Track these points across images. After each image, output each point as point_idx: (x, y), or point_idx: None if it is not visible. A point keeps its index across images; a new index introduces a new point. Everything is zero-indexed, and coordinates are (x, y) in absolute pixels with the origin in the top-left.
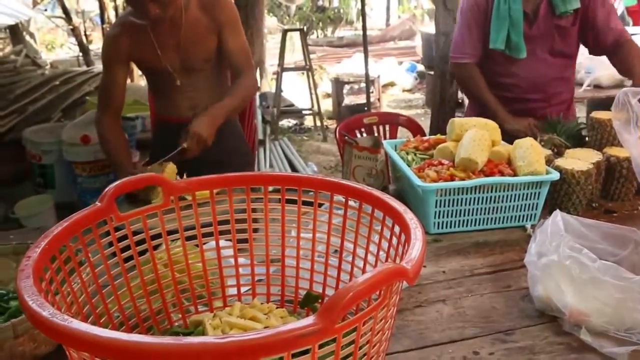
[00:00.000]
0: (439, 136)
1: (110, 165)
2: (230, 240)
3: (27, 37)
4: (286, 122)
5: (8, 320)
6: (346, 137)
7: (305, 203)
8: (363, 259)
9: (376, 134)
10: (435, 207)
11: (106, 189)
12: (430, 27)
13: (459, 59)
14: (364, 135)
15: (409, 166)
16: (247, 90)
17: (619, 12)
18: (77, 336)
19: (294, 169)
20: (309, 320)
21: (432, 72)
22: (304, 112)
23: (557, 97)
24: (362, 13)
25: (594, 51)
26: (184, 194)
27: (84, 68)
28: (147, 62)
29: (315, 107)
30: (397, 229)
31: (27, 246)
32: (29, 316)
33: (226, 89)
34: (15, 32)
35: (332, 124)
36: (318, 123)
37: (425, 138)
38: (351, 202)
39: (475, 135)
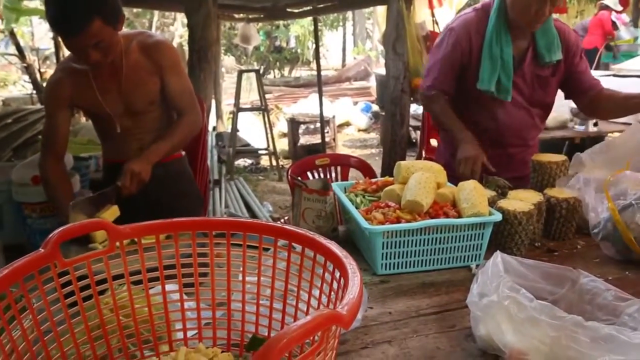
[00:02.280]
0: (387, 178)
1: (56, 209)
2: (177, 284)
3: None
4: (242, 162)
5: None
6: (296, 180)
7: (252, 247)
8: (307, 303)
9: (328, 176)
10: (382, 248)
11: (50, 235)
12: (383, 69)
13: (428, 90)
14: (316, 176)
15: (357, 208)
16: (187, 128)
17: None
18: None
19: (249, 208)
20: None
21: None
22: (259, 151)
23: (533, 141)
24: (317, 54)
25: (571, 96)
26: (129, 239)
27: (38, 106)
28: (89, 108)
29: (271, 147)
30: (337, 273)
31: None
32: None
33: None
34: None
35: (287, 164)
36: (274, 163)
37: (373, 180)
38: (296, 247)
39: (420, 178)
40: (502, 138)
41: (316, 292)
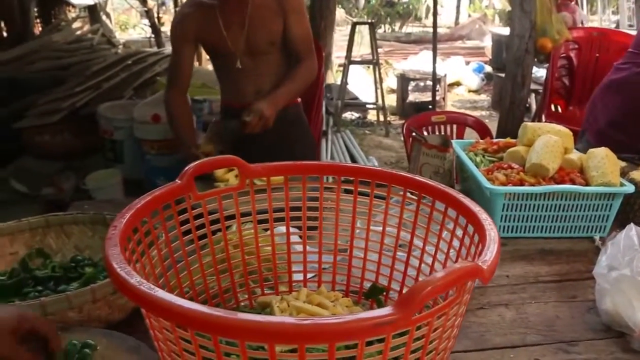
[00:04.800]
0: (509, 139)
1: (177, 142)
2: (298, 227)
3: (104, 17)
4: (349, 115)
5: (84, 285)
6: (415, 134)
7: (376, 197)
8: (432, 256)
9: (443, 133)
10: (502, 210)
11: (186, 168)
12: (501, 28)
13: None
14: (428, 133)
15: (477, 167)
16: (307, 74)
17: None
18: (163, 305)
19: (354, 162)
20: (387, 309)
21: (500, 74)
22: (367, 106)
23: None
24: (434, 10)
25: None
26: (259, 177)
27: (155, 49)
28: (213, 43)
29: (380, 102)
30: (470, 228)
31: (102, 217)
32: (117, 283)
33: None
34: (93, 12)
35: (394, 120)
36: (381, 118)
37: (494, 140)
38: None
39: (548, 141)
40: None
41: (443, 247)
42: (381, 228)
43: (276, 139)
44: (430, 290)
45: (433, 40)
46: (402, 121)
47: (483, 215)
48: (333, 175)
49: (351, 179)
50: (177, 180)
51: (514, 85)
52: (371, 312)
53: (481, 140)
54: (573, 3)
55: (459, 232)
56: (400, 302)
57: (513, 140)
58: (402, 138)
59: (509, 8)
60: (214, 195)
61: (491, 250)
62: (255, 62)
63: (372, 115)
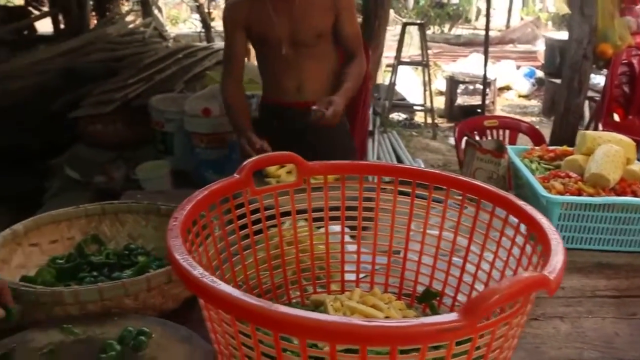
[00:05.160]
0: (565, 147)
1: (235, 131)
2: (349, 227)
3: (155, 11)
4: (396, 116)
5: (137, 274)
6: (468, 138)
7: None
8: (490, 263)
9: (496, 138)
10: (559, 220)
11: (244, 163)
12: (554, 33)
13: None
14: (480, 137)
15: (532, 174)
16: (360, 74)
17: None
18: (225, 298)
19: (400, 163)
20: (453, 316)
21: (553, 80)
22: (415, 107)
23: None
24: (487, 12)
25: None
26: (316, 175)
27: (205, 44)
28: (260, 30)
29: (428, 104)
30: (532, 237)
31: (156, 207)
32: (179, 273)
33: (338, 74)
34: (145, 6)
35: (442, 123)
36: (429, 120)
37: (551, 148)
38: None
39: (609, 151)
40: None
41: (502, 254)
42: (437, 232)
43: (315, 143)
44: (497, 298)
45: (485, 43)
46: (450, 124)
47: (546, 224)
48: (390, 177)
49: (408, 180)
50: (235, 175)
51: (570, 92)
52: (436, 317)
53: (536, 147)
54: (638, 7)
55: (519, 240)
56: (465, 309)
57: (570, 149)
58: (449, 141)
59: (563, 11)
60: (271, 192)
61: (556, 260)
62: (297, 55)
63: (419, 117)
